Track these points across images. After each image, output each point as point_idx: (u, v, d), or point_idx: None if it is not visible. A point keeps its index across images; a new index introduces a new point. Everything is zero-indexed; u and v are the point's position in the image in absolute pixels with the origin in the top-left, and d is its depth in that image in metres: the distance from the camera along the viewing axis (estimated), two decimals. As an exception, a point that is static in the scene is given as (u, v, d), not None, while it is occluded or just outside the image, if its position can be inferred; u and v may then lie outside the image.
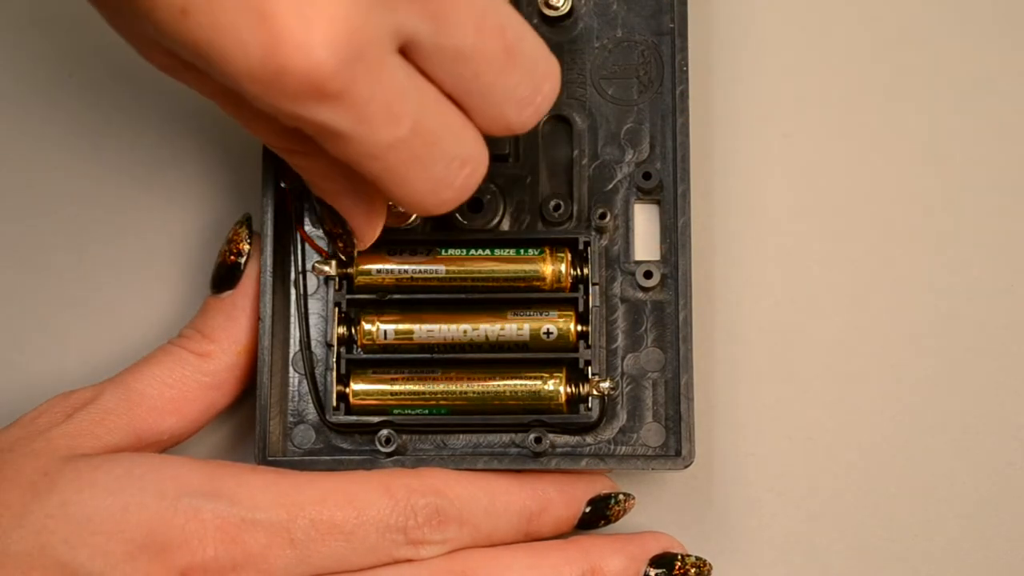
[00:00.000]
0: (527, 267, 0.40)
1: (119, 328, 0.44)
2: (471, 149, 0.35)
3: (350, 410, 0.40)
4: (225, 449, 0.43)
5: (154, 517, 0.36)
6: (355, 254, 0.39)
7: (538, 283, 0.40)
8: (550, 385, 0.40)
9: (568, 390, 0.40)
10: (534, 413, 0.40)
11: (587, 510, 0.40)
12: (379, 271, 0.40)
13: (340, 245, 0.39)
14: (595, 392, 0.40)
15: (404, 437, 0.41)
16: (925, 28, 0.45)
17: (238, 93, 0.32)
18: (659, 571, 0.40)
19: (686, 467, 0.40)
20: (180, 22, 0.30)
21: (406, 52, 0.33)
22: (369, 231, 0.39)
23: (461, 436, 0.41)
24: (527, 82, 0.35)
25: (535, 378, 0.40)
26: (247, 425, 0.42)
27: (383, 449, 0.40)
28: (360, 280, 0.40)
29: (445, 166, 0.35)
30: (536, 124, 0.36)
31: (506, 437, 0.41)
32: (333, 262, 0.40)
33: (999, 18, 0.44)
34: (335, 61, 0.30)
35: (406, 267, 0.40)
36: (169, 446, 0.40)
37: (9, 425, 0.39)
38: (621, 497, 0.40)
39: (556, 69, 0.36)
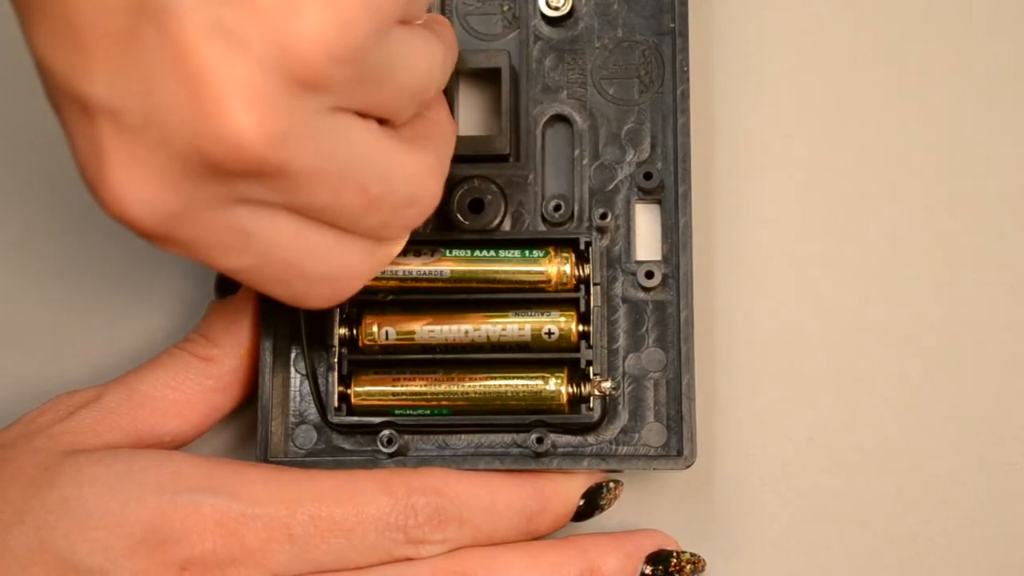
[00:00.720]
0: (532, 268, 0.40)
1: (123, 333, 0.44)
2: (343, 264, 0.35)
3: (352, 410, 0.40)
4: (227, 450, 0.43)
5: (153, 512, 0.36)
6: None
7: (543, 284, 0.40)
8: (551, 385, 0.40)
9: (569, 390, 0.40)
10: (536, 413, 0.40)
11: (581, 503, 0.40)
12: (382, 273, 0.40)
13: None
14: (596, 392, 0.40)
15: (406, 437, 0.41)
16: (926, 28, 0.45)
17: None
18: (655, 568, 0.40)
19: (687, 467, 0.40)
20: (57, 117, 0.32)
21: (251, 202, 0.33)
22: None
23: (462, 436, 0.41)
24: (392, 218, 0.35)
25: (537, 378, 0.40)
26: (250, 426, 0.42)
27: (385, 449, 0.40)
28: None
29: (308, 284, 0.35)
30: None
31: (507, 437, 0.41)
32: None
33: (1000, 18, 0.45)
34: (150, 222, 0.32)
35: (410, 268, 0.40)
36: (171, 448, 0.40)
37: (11, 424, 0.39)
38: (612, 485, 0.40)
39: (432, 192, 0.36)
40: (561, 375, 0.40)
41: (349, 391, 0.40)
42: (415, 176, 0.35)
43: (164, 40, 0.30)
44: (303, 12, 0.30)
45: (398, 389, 0.40)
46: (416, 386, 0.40)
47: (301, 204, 0.33)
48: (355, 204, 0.34)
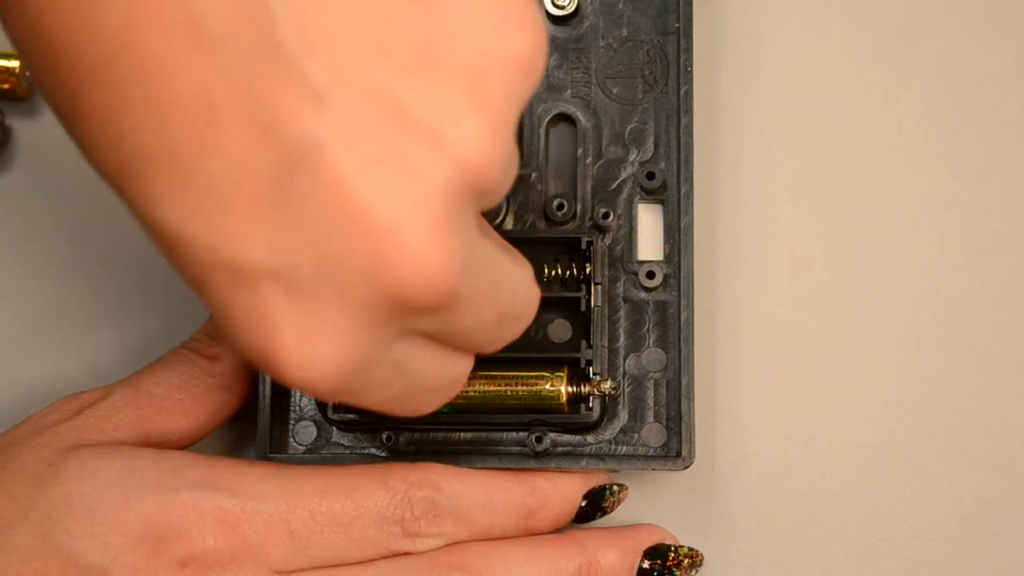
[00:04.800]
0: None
1: (127, 334, 0.44)
2: (458, 377, 0.34)
3: (351, 407, 0.40)
4: (227, 447, 0.43)
5: (154, 509, 0.37)
6: None
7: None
8: (551, 385, 0.40)
9: (569, 390, 0.40)
10: (535, 412, 0.40)
11: (583, 504, 0.40)
12: None
13: None
14: (596, 392, 0.40)
15: (404, 435, 0.41)
16: (927, 29, 0.44)
17: None
18: (653, 562, 0.40)
19: (686, 468, 0.40)
20: (199, 293, 0.30)
21: (409, 335, 0.31)
22: None
23: (461, 434, 0.41)
24: (507, 333, 0.33)
25: (537, 377, 0.40)
26: (250, 423, 0.42)
27: (384, 447, 0.40)
28: None
29: (423, 401, 0.33)
30: None
31: (507, 436, 0.41)
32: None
33: (1000, 18, 0.44)
34: (334, 383, 0.29)
35: None
36: (179, 447, 0.41)
37: (18, 424, 0.40)
38: (616, 488, 0.41)
39: (535, 304, 0.34)
40: (561, 375, 0.40)
41: (350, 387, 0.40)
42: (528, 284, 0.33)
43: (318, 184, 0.27)
44: (462, 117, 0.27)
45: (399, 386, 0.40)
46: (417, 383, 0.40)
47: (450, 329, 0.31)
48: (490, 321, 0.32)
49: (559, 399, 0.40)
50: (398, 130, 0.27)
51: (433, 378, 0.32)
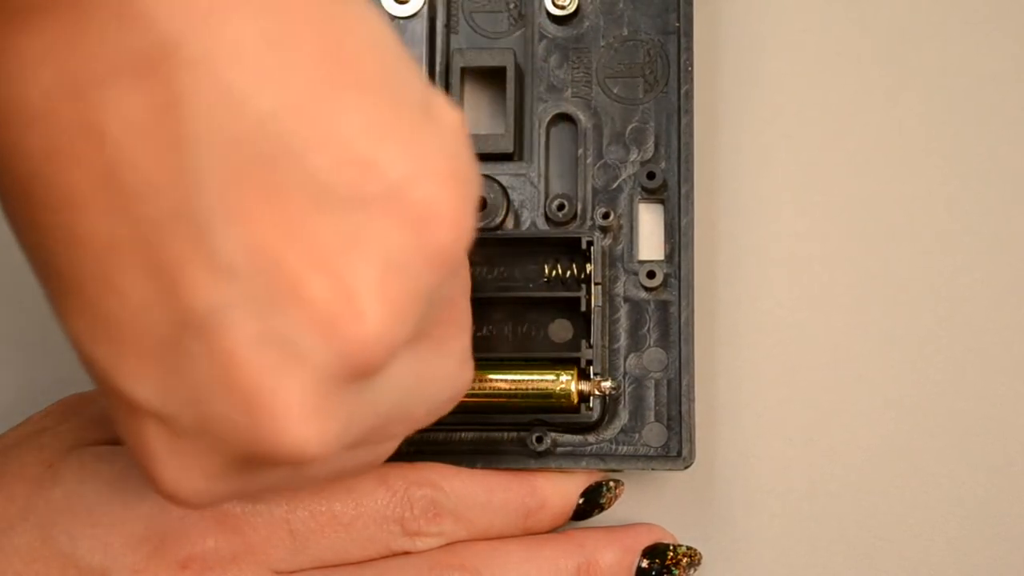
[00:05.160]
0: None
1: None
2: (366, 466, 0.34)
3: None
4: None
5: (154, 509, 0.37)
6: None
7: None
8: (562, 384, 0.40)
9: (580, 388, 0.40)
10: (542, 411, 0.40)
11: (581, 501, 0.40)
12: None
13: None
14: (597, 392, 0.40)
15: (405, 434, 0.41)
16: (927, 29, 0.44)
17: None
18: (652, 561, 0.40)
19: (686, 468, 0.40)
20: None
21: None
22: None
23: (462, 434, 0.41)
24: (433, 420, 0.34)
25: (547, 376, 0.40)
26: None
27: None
28: None
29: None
30: None
31: (507, 436, 0.41)
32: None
33: (1000, 18, 0.44)
34: (199, 505, 0.31)
35: None
36: None
37: (18, 424, 0.40)
38: (612, 484, 0.41)
39: (466, 380, 0.35)
40: (571, 372, 0.40)
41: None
42: (451, 377, 0.33)
43: (210, 352, 0.27)
44: (363, 310, 0.28)
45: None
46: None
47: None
48: (402, 434, 0.33)
49: (570, 397, 0.39)
50: (296, 313, 0.27)
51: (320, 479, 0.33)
